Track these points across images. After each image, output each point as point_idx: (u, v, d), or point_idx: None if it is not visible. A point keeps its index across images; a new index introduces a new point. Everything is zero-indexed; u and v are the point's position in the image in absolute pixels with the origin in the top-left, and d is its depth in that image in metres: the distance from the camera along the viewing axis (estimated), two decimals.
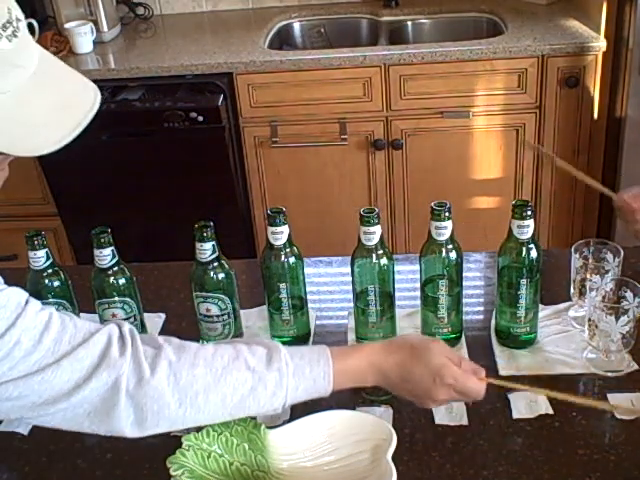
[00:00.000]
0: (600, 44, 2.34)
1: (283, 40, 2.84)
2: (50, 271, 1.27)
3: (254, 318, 1.39)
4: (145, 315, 1.35)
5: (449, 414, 1.16)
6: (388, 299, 1.26)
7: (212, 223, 1.22)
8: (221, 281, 1.26)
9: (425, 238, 1.22)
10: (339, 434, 1.05)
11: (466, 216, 2.45)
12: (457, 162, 2.56)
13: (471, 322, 1.36)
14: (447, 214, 1.18)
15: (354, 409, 1.15)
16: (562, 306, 1.37)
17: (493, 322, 1.33)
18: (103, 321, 1.28)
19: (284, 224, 1.22)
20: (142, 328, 1.32)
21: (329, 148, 2.53)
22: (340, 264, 1.54)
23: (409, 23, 2.81)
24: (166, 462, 0.98)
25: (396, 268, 1.26)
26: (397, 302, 1.29)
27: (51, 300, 1.27)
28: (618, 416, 1.13)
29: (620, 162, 2.46)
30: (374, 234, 1.19)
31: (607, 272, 1.25)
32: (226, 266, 1.27)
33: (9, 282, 0.91)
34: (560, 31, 2.44)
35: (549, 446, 1.09)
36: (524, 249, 1.20)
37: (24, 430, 1.19)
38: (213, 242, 1.23)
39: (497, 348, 1.29)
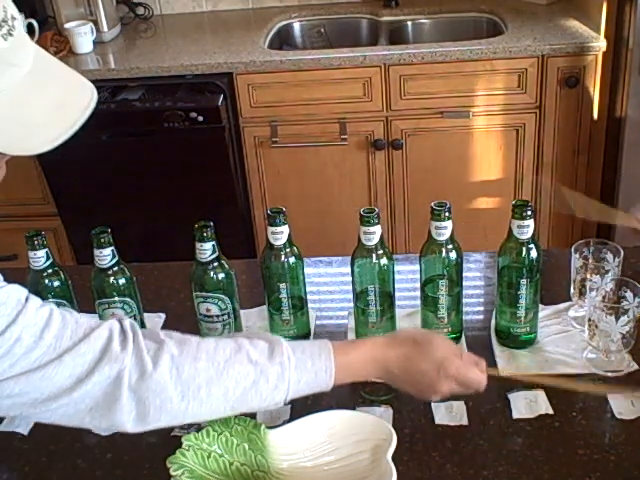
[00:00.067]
0: (600, 44, 2.34)
1: (283, 40, 2.84)
2: (50, 271, 1.27)
3: (254, 318, 1.39)
4: (145, 315, 1.35)
5: (449, 414, 1.16)
6: (388, 299, 1.26)
7: (212, 223, 1.22)
8: (221, 281, 1.26)
9: (425, 238, 1.22)
10: (339, 434, 1.05)
11: (466, 216, 2.44)
12: (457, 162, 2.56)
13: (471, 322, 1.36)
14: (447, 214, 1.18)
15: (354, 409, 1.15)
16: (562, 306, 1.37)
17: (493, 322, 1.33)
18: None
19: (284, 224, 1.22)
20: (142, 328, 1.32)
21: (329, 148, 2.53)
22: (340, 264, 1.54)
23: (409, 23, 2.81)
24: (166, 462, 0.98)
25: (396, 268, 1.26)
26: (397, 302, 1.29)
27: (51, 300, 1.27)
28: (618, 416, 1.13)
29: (620, 162, 2.46)
30: (374, 234, 1.19)
31: (607, 272, 1.25)
32: (226, 266, 1.27)
33: (9, 282, 0.91)
34: (560, 31, 2.44)
35: (549, 446, 1.09)
36: (524, 249, 1.20)
37: (24, 430, 1.19)
38: (213, 242, 1.23)
39: (497, 348, 1.29)
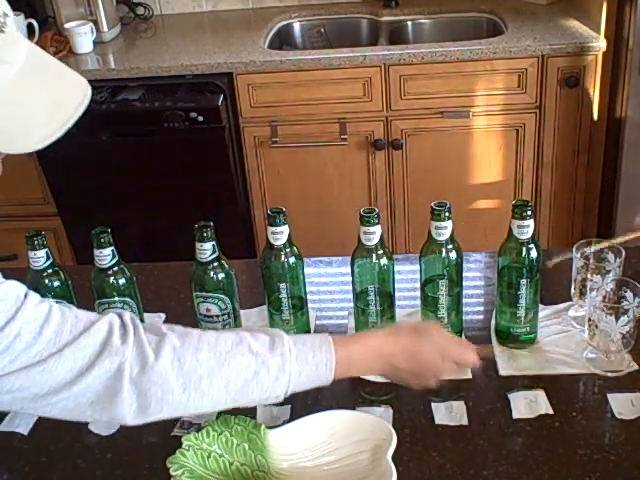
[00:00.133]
0: (600, 44, 2.34)
1: (283, 40, 2.84)
2: (50, 271, 1.26)
3: (254, 318, 1.39)
4: (145, 315, 1.35)
5: (449, 414, 1.16)
6: (388, 299, 1.26)
7: (212, 223, 1.22)
8: (221, 281, 1.26)
9: (425, 238, 1.22)
10: (339, 434, 1.05)
11: (466, 216, 2.45)
12: (457, 162, 2.56)
13: (471, 322, 1.36)
14: (447, 214, 1.18)
15: (354, 409, 1.15)
16: (562, 306, 1.37)
17: (493, 322, 1.33)
18: None
19: (284, 224, 1.22)
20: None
21: (329, 148, 2.53)
22: (340, 264, 1.54)
23: (409, 23, 2.81)
24: (166, 462, 0.98)
25: (396, 268, 1.26)
26: (397, 302, 1.29)
27: (53, 301, 1.27)
28: (618, 416, 1.13)
29: (620, 162, 2.46)
30: (374, 234, 1.19)
31: (608, 272, 1.25)
32: (226, 266, 1.27)
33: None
34: (560, 31, 2.44)
35: (549, 446, 1.09)
36: (524, 249, 1.20)
37: (24, 430, 1.19)
38: (213, 242, 1.23)
39: (497, 348, 1.29)
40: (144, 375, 0.91)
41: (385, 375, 1.11)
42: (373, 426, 1.05)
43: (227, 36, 2.68)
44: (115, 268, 1.26)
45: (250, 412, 1.11)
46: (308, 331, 1.35)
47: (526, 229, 1.18)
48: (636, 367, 1.22)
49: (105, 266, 1.25)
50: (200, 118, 2.40)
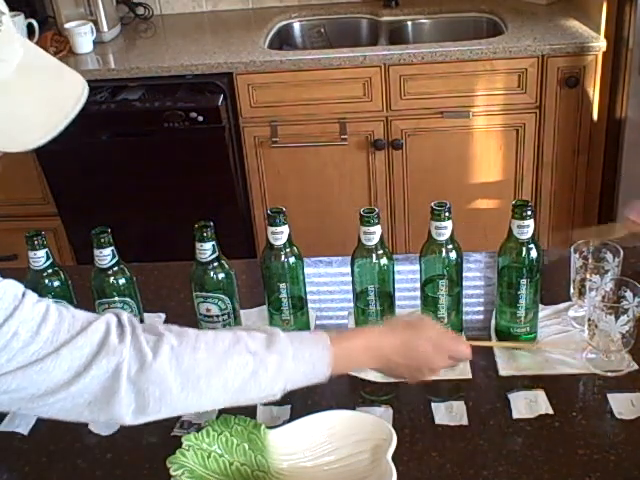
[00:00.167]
0: (600, 44, 2.34)
1: (283, 40, 2.84)
2: (50, 271, 1.26)
3: (254, 318, 1.39)
4: (145, 315, 1.35)
5: (449, 414, 1.16)
6: (388, 299, 1.26)
7: (212, 223, 1.22)
8: (221, 281, 1.26)
9: (425, 238, 1.22)
10: (339, 434, 1.05)
11: (466, 216, 2.45)
12: (457, 162, 2.56)
13: (471, 322, 1.36)
14: (447, 214, 1.18)
15: (354, 409, 1.15)
16: (562, 306, 1.37)
17: (493, 322, 1.33)
18: None
19: (284, 224, 1.22)
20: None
21: (329, 148, 2.53)
22: (340, 264, 1.54)
23: (409, 23, 2.81)
24: (166, 462, 0.98)
25: (396, 268, 1.26)
26: (397, 302, 1.29)
27: (51, 300, 1.27)
28: (618, 416, 1.13)
29: (620, 162, 2.46)
30: (374, 234, 1.19)
31: (607, 272, 1.25)
32: (226, 266, 1.27)
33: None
34: (560, 31, 2.44)
35: (549, 446, 1.09)
36: (524, 249, 1.20)
37: (24, 430, 1.19)
38: (213, 242, 1.23)
39: (497, 348, 1.29)
40: (142, 374, 0.91)
41: (381, 370, 1.11)
42: (373, 426, 1.05)
43: (227, 36, 2.69)
44: (115, 268, 1.26)
45: (250, 412, 1.11)
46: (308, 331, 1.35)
47: (526, 229, 1.18)
48: (636, 367, 1.22)
49: (105, 266, 1.25)
50: (200, 118, 2.40)
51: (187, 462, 0.99)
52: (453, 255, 1.22)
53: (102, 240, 1.22)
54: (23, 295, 0.90)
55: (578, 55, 2.35)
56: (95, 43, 2.65)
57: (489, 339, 1.31)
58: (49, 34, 2.63)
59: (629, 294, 1.16)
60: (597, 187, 2.59)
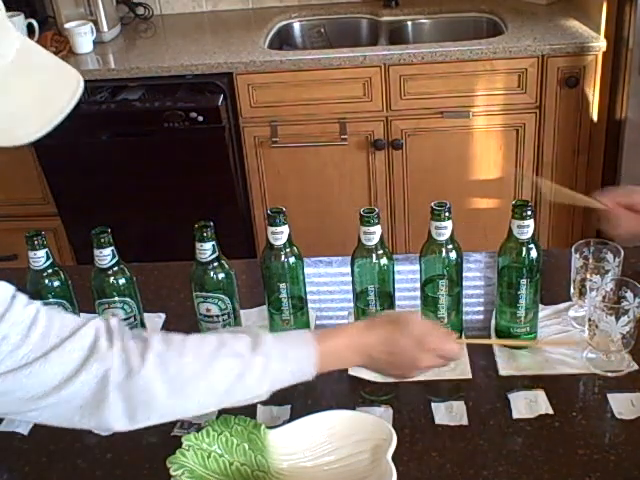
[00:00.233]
0: (600, 44, 2.34)
1: (283, 40, 2.84)
2: (50, 271, 1.27)
3: (254, 318, 1.39)
4: (145, 315, 1.35)
5: (449, 414, 1.16)
6: (388, 299, 1.26)
7: (212, 223, 1.22)
8: (221, 281, 1.26)
9: (425, 238, 1.22)
10: (339, 434, 1.05)
11: (466, 216, 2.44)
12: (457, 162, 2.56)
13: (471, 322, 1.36)
14: (447, 214, 1.18)
15: (354, 409, 1.15)
16: (562, 306, 1.37)
17: (493, 322, 1.33)
18: None
19: (284, 224, 1.22)
20: (142, 328, 1.32)
21: (329, 148, 2.53)
22: (340, 264, 1.54)
23: (409, 23, 2.81)
24: (166, 462, 0.98)
25: (396, 268, 1.26)
26: (397, 302, 1.29)
27: (51, 300, 1.27)
28: (618, 416, 1.13)
29: (620, 162, 2.46)
30: (374, 234, 1.19)
31: (607, 272, 1.25)
32: (226, 266, 1.27)
33: (9, 283, 0.91)
34: (560, 31, 2.44)
35: (549, 446, 1.09)
36: (524, 249, 1.20)
37: (24, 430, 1.19)
38: (213, 242, 1.23)
39: (497, 348, 1.29)
40: (130, 381, 0.90)
41: (366, 366, 1.10)
42: (373, 426, 1.05)
43: (227, 36, 2.68)
44: (115, 268, 1.26)
45: (250, 412, 1.11)
46: None
47: (526, 229, 1.18)
48: (636, 367, 1.22)
49: (105, 266, 1.25)
50: (200, 118, 2.40)
51: (187, 462, 0.99)
52: (453, 255, 1.22)
53: (102, 240, 1.22)
54: (13, 298, 0.89)
55: (578, 55, 2.35)
56: (95, 43, 2.64)
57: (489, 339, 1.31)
58: (49, 34, 2.63)
59: (630, 294, 1.16)
60: (597, 187, 2.58)
